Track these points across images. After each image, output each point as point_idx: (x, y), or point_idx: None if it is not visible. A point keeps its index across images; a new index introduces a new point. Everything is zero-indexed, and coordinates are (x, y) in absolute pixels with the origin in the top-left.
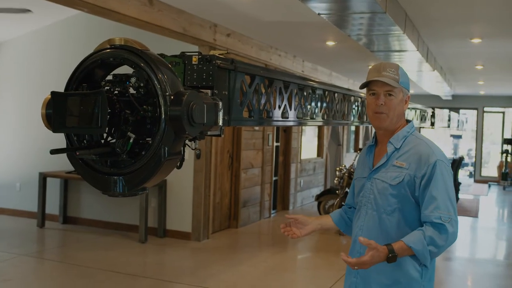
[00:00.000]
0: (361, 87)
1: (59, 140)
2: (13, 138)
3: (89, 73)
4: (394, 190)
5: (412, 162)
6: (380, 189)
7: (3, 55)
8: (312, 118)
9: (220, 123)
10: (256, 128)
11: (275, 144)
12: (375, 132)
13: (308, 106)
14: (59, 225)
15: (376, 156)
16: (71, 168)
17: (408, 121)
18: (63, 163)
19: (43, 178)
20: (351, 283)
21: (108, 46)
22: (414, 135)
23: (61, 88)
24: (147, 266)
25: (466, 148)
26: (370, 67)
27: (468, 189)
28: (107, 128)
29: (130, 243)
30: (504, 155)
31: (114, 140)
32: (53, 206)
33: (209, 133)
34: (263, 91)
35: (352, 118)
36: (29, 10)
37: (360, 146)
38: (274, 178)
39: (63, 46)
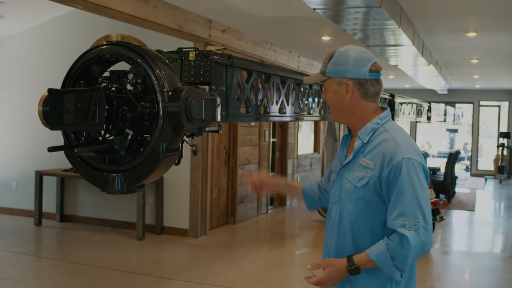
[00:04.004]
0: None
1: (56, 137)
2: (9, 136)
3: (86, 69)
4: (359, 192)
5: (377, 162)
6: (347, 189)
7: None
8: (309, 113)
9: (219, 119)
10: (252, 124)
11: (271, 140)
12: None
13: (305, 102)
14: (56, 223)
15: (349, 148)
16: (68, 166)
17: (383, 109)
18: (59, 161)
19: (39, 176)
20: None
21: (105, 42)
22: (384, 127)
23: (56, 86)
24: (145, 263)
25: (462, 142)
26: None
27: (465, 183)
28: (105, 125)
29: (127, 240)
30: (500, 148)
31: (112, 137)
32: (50, 204)
33: (207, 129)
34: (260, 86)
35: None
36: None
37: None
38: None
39: (58, 44)
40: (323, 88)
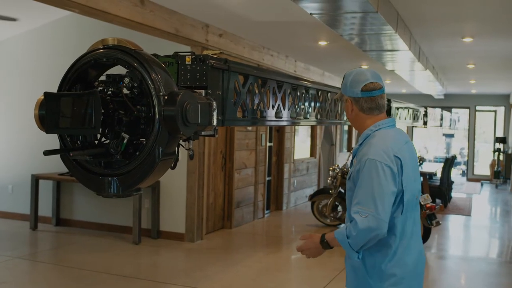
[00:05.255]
0: None
1: (52, 141)
2: (5, 140)
3: (82, 73)
4: (348, 185)
5: (357, 160)
6: (347, 182)
7: None
8: (305, 117)
9: (214, 123)
10: (249, 128)
11: (268, 144)
12: None
13: (302, 106)
14: (52, 227)
15: None
16: (64, 169)
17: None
18: (55, 164)
19: (35, 180)
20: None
21: (102, 46)
22: (374, 133)
23: (53, 89)
24: (141, 267)
25: (459, 147)
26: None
27: (461, 188)
28: (100, 129)
29: (123, 244)
30: (496, 153)
31: (108, 141)
32: (46, 208)
33: (203, 133)
34: (257, 91)
35: (345, 118)
36: (15, 19)
37: (353, 145)
38: (267, 178)
39: (54, 47)
40: None
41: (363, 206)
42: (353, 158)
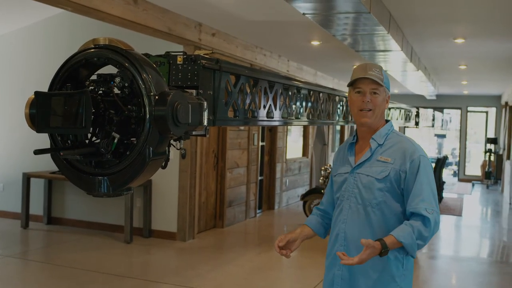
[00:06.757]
0: (349, 84)
1: (43, 140)
2: None
3: (73, 72)
4: (380, 183)
5: (397, 158)
6: (365, 183)
7: None
8: (297, 118)
9: (205, 123)
10: (241, 127)
11: (260, 143)
12: (356, 130)
13: (293, 106)
14: (43, 225)
15: (357, 152)
16: (55, 168)
17: (387, 121)
18: (47, 163)
19: (27, 179)
20: (334, 276)
21: (93, 46)
22: (394, 132)
23: (44, 88)
24: (132, 266)
25: (450, 147)
26: (354, 67)
27: (452, 188)
28: (91, 128)
29: (115, 243)
30: (488, 154)
31: (98, 140)
32: (37, 207)
33: (194, 133)
34: (248, 91)
35: (337, 118)
36: None
37: None
38: (259, 178)
39: (46, 46)
40: (372, 92)
41: (428, 203)
42: (371, 155)
